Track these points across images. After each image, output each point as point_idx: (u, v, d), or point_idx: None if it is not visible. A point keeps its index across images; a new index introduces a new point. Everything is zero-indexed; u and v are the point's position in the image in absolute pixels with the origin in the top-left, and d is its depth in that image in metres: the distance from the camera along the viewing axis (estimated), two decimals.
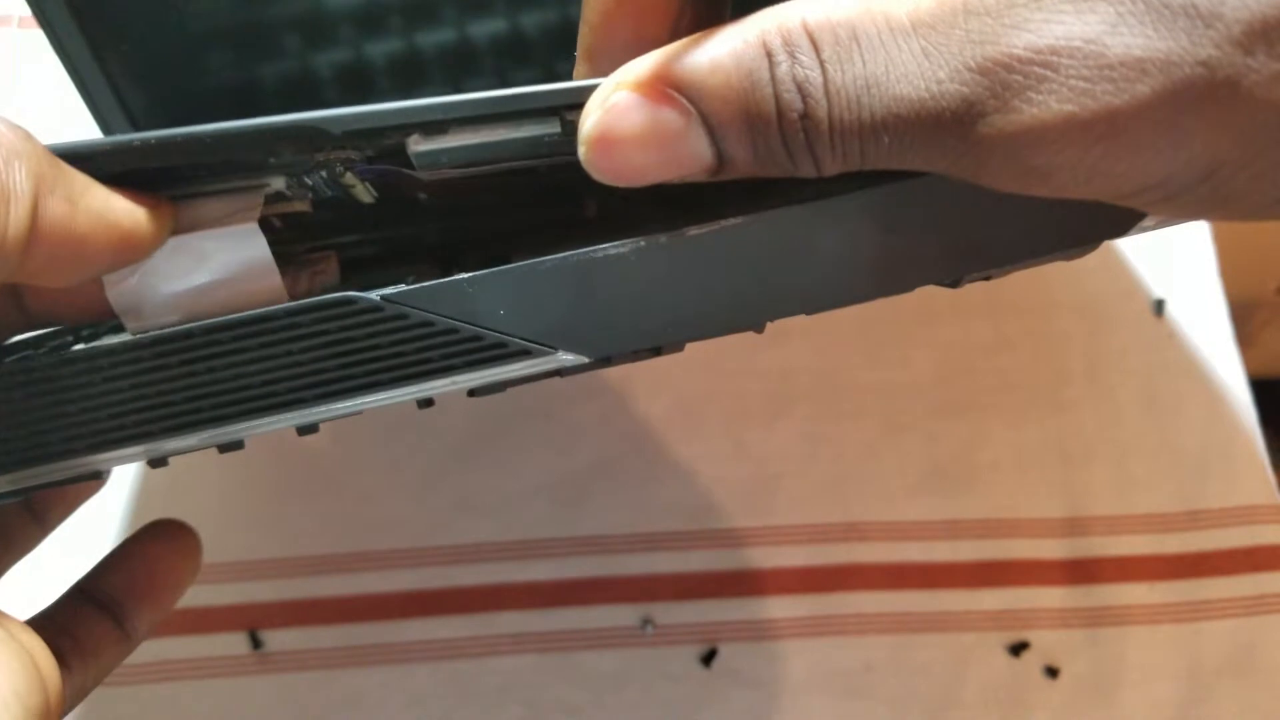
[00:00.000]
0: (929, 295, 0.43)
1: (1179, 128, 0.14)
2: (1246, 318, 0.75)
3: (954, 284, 0.21)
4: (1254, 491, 0.40)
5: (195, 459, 0.39)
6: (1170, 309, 0.42)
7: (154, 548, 0.25)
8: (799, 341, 0.41)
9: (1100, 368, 0.41)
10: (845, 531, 0.39)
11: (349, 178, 0.20)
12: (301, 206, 0.20)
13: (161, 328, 0.19)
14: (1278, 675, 0.37)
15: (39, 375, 0.18)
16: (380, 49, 0.33)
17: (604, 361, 0.20)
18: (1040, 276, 0.43)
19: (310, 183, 0.20)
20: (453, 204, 0.23)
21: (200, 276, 0.19)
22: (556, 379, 0.20)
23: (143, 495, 0.38)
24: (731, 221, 0.19)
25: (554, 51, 0.34)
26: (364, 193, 0.21)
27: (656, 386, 0.40)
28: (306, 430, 0.19)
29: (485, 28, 0.33)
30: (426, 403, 0.20)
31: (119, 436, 0.18)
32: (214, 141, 0.17)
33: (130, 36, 0.29)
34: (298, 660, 0.37)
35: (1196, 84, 0.14)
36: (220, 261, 0.19)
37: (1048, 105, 0.15)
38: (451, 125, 0.18)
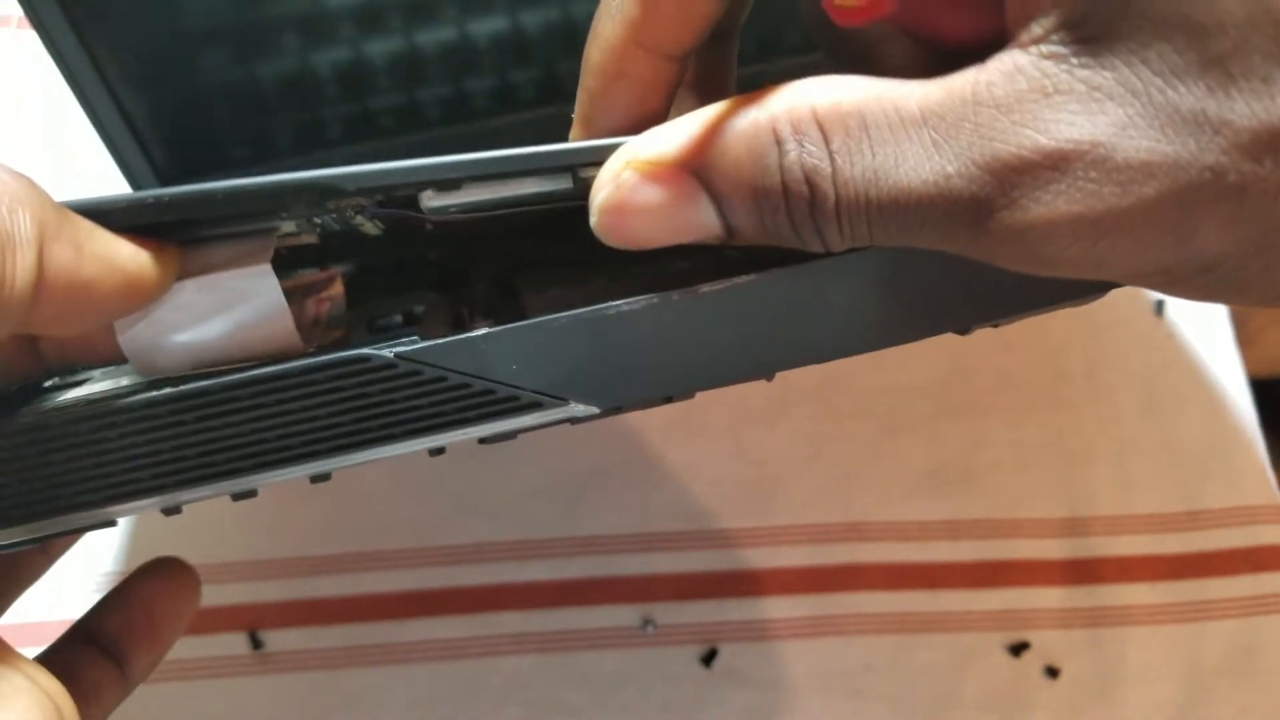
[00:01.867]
0: None
1: (1184, 226, 0.15)
2: (1246, 318, 0.75)
3: (963, 332, 0.21)
4: (1254, 491, 0.40)
5: None
6: (1170, 309, 0.42)
7: (152, 587, 0.24)
8: None
9: (1100, 368, 0.41)
10: (846, 532, 0.39)
11: (358, 219, 0.20)
12: (308, 239, 0.20)
13: (174, 371, 0.19)
14: (1278, 676, 0.38)
15: (55, 430, 0.18)
16: (380, 48, 0.32)
17: (615, 410, 0.20)
18: None
19: (319, 222, 0.20)
20: (458, 232, 0.23)
21: (212, 320, 0.19)
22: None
23: None
24: (744, 279, 0.19)
25: (554, 51, 0.34)
26: (371, 228, 0.21)
27: None
28: (320, 479, 0.20)
29: (485, 26, 0.33)
30: (438, 451, 0.20)
31: (134, 490, 0.19)
32: (226, 199, 0.18)
33: (125, 37, 0.29)
34: (298, 660, 0.37)
35: (1204, 187, 0.14)
36: (232, 304, 0.19)
37: (1055, 206, 0.15)
38: (465, 182, 0.18)
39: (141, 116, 0.31)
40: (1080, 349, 0.41)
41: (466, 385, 0.19)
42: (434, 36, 0.33)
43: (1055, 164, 0.15)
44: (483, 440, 0.20)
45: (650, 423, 0.40)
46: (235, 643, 0.37)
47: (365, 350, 0.18)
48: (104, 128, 0.31)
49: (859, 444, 0.40)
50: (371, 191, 0.18)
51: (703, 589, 0.38)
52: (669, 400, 0.20)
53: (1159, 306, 0.42)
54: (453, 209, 0.19)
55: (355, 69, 0.33)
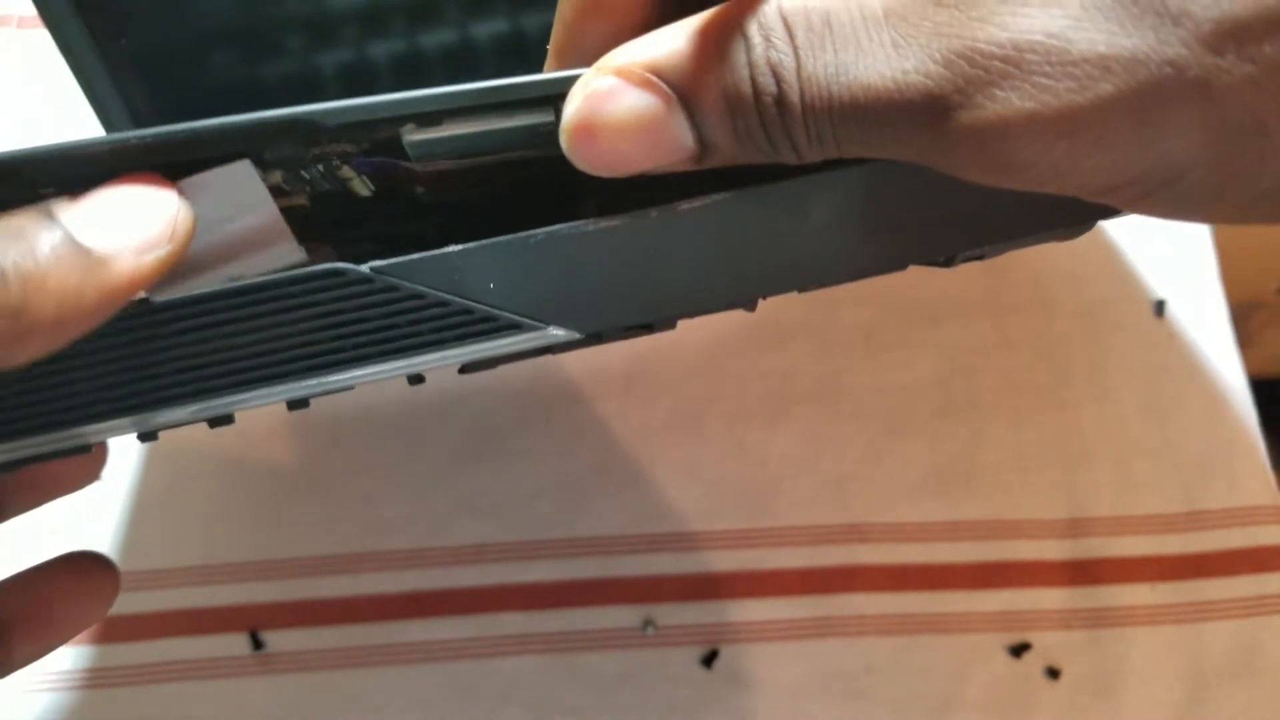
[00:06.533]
0: (930, 295, 0.43)
1: (1146, 126, 0.14)
2: (1246, 318, 0.75)
3: (947, 263, 0.21)
4: (1255, 492, 0.40)
5: (193, 456, 0.39)
6: (1171, 310, 0.42)
7: (64, 582, 0.23)
8: (800, 343, 0.41)
9: (1101, 369, 0.41)
10: (846, 533, 0.39)
11: (346, 171, 0.20)
12: (299, 200, 0.20)
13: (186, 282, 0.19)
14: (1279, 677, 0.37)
15: None
16: (383, 49, 0.33)
17: (595, 338, 0.20)
18: (1041, 277, 0.43)
19: (307, 176, 0.20)
20: (449, 205, 0.23)
21: (204, 219, 0.18)
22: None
23: (141, 494, 0.38)
24: (723, 196, 0.19)
25: None
26: (361, 186, 0.21)
27: (657, 388, 0.40)
28: (297, 405, 0.19)
29: (487, 28, 0.33)
30: (417, 379, 0.20)
31: (107, 408, 0.18)
32: (211, 137, 0.17)
33: (135, 34, 0.30)
34: (299, 661, 0.37)
35: (1164, 83, 0.14)
36: (215, 200, 0.18)
37: (1010, 102, 0.15)
38: (445, 116, 0.18)
39: (149, 113, 0.31)
40: (1081, 349, 0.41)
41: (444, 304, 0.19)
42: (436, 39, 0.33)
43: (1010, 59, 0.14)
44: (463, 369, 0.19)
45: (650, 423, 0.40)
46: (235, 643, 0.37)
47: (341, 264, 0.18)
48: (110, 124, 0.31)
49: (859, 444, 0.40)
50: (353, 128, 0.18)
51: (703, 590, 0.38)
52: (650, 329, 0.20)
53: (1159, 307, 0.42)
54: (438, 150, 0.19)
55: (358, 70, 0.33)
